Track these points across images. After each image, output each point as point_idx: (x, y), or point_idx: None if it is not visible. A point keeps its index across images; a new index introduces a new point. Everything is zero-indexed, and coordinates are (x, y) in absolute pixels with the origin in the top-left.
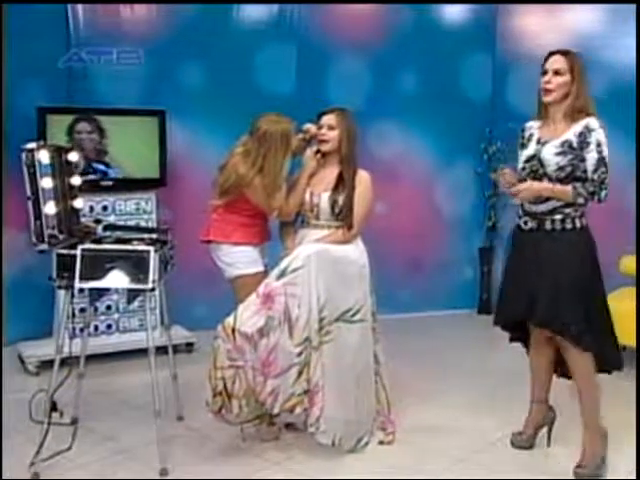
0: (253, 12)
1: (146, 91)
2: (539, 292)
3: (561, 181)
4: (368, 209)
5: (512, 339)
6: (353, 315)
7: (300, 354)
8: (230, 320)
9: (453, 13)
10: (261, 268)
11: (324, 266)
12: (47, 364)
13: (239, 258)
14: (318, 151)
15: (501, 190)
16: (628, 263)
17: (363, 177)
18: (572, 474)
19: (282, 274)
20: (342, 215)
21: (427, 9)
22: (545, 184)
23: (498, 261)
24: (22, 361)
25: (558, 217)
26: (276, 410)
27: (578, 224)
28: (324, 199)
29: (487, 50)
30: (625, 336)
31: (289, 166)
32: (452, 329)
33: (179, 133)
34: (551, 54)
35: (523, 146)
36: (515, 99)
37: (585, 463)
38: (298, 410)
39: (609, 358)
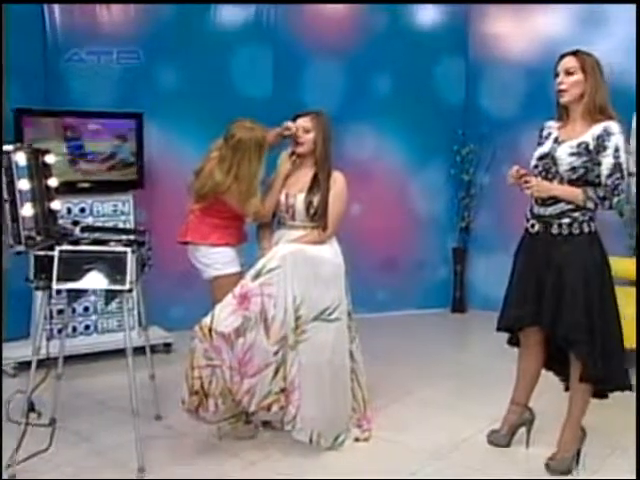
0: (229, 15)
1: (123, 93)
2: (543, 298)
3: (572, 183)
4: (343, 210)
5: (511, 342)
6: (330, 314)
7: (276, 353)
8: (207, 320)
9: (427, 17)
10: (238, 268)
11: (300, 266)
12: (25, 365)
13: (217, 259)
14: (293, 153)
15: (510, 180)
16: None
17: (338, 178)
18: (544, 467)
19: (258, 275)
20: (317, 216)
21: (401, 13)
22: (555, 184)
23: (471, 261)
24: None
25: (566, 221)
26: (252, 408)
27: (586, 229)
28: (299, 200)
29: (460, 54)
30: None
31: (265, 167)
32: (426, 327)
33: (156, 135)
34: (562, 57)
35: (540, 145)
36: (487, 102)
37: (559, 457)
38: (275, 408)
39: (616, 378)
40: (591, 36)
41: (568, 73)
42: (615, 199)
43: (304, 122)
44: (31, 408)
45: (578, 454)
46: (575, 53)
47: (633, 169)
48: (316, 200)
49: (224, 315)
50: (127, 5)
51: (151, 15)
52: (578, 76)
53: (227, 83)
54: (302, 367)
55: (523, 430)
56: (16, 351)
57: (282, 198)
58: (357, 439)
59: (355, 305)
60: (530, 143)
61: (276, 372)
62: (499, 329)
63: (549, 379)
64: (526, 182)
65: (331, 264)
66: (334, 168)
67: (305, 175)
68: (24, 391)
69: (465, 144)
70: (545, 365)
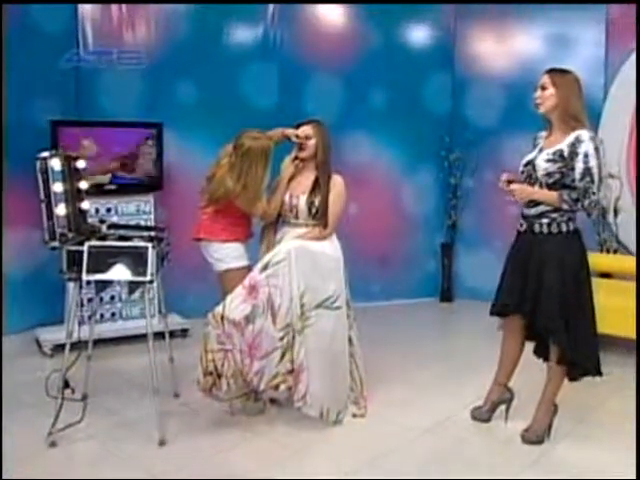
0: (240, 35)
1: (145, 105)
2: (526, 289)
3: (550, 187)
4: (342, 210)
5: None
6: (333, 302)
7: (282, 338)
8: (219, 309)
9: (418, 37)
10: (247, 262)
11: (303, 259)
12: (60, 347)
13: (228, 254)
14: (296, 158)
15: (500, 187)
16: None
17: (337, 181)
18: (520, 437)
19: (265, 267)
20: (318, 215)
21: (395, 33)
22: (536, 189)
23: (458, 255)
24: (39, 344)
25: (545, 221)
26: (262, 387)
27: (564, 228)
28: (302, 201)
29: (447, 70)
30: None
31: (270, 172)
32: (417, 315)
33: (174, 143)
34: (542, 74)
35: (530, 153)
36: (471, 113)
37: (533, 429)
38: (282, 388)
39: (586, 365)
40: (562, 56)
41: (543, 88)
42: (586, 201)
43: (306, 130)
44: (66, 385)
45: (550, 427)
46: (550, 71)
47: (604, 173)
48: (317, 201)
49: (235, 304)
50: (149, 27)
51: (170, 36)
52: (550, 90)
53: (237, 95)
54: (308, 350)
55: (503, 407)
56: (52, 335)
57: (286, 199)
58: (354, 415)
59: (352, 295)
60: (510, 150)
61: (282, 355)
62: (491, 314)
63: (526, 362)
64: (510, 191)
65: (331, 258)
66: (334, 172)
67: (307, 178)
68: (60, 370)
69: (452, 151)
70: (534, 352)
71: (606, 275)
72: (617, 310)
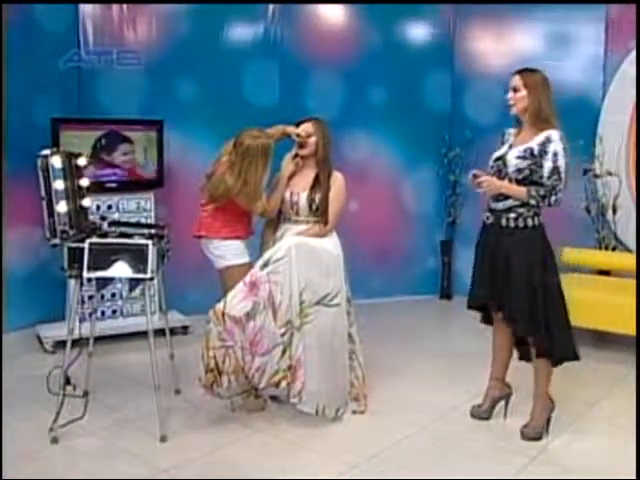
0: (241, 32)
1: (146, 103)
2: (495, 281)
3: (519, 182)
4: (342, 206)
5: (483, 320)
6: (331, 300)
7: (283, 335)
8: (220, 305)
9: (417, 36)
10: (247, 259)
11: (303, 256)
12: (61, 344)
13: (228, 251)
14: (296, 155)
15: (468, 183)
16: (567, 254)
17: (337, 178)
18: (519, 434)
19: (266, 264)
20: (319, 212)
21: (394, 32)
22: (505, 183)
23: (457, 252)
24: (40, 341)
25: (512, 215)
26: (263, 385)
27: (530, 223)
28: (303, 198)
29: (446, 68)
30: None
31: (271, 168)
32: (417, 312)
33: (175, 140)
34: (512, 75)
35: (499, 148)
36: (470, 111)
37: (532, 425)
38: (283, 384)
39: (562, 351)
40: (561, 54)
41: (515, 90)
42: (553, 198)
43: (307, 127)
44: (67, 382)
45: (548, 422)
46: (520, 72)
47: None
48: (318, 197)
49: (236, 301)
50: (150, 25)
51: (171, 34)
52: (522, 92)
53: (238, 93)
54: (306, 347)
55: (502, 404)
56: (53, 331)
57: (287, 196)
58: (354, 412)
59: (352, 292)
60: None
61: (283, 352)
62: (468, 307)
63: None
64: (479, 182)
65: (331, 255)
66: (334, 169)
67: (308, 175)
68: (61, 366)
69: (451, 148)
70: (519, 358)
71: (605, 272)
72: (616, 307)
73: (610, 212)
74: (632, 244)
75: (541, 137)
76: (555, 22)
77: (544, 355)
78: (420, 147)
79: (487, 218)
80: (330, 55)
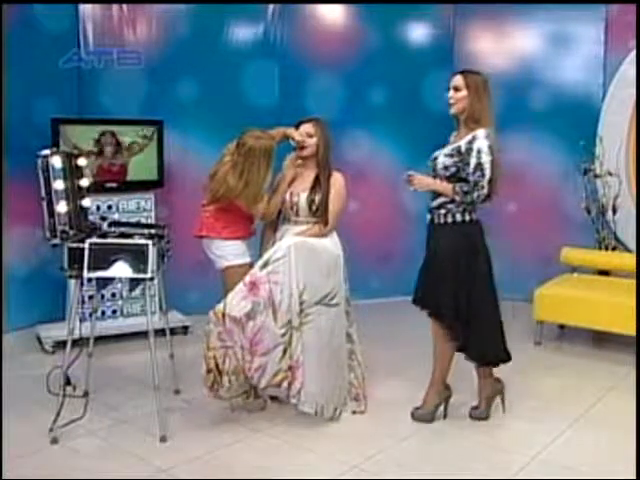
0: (241, 33)
1: (146, 103)
2: (425, 277)
3: (448, 179)
4: (342, 207)
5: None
6: (331, 300)
7: (284, 335)
8: (220, 306)
9: (417, 36)
10: (248, 260)
11: (303, 256)
12: (61, 344)
13: (229, 251)
14: (298, 158)
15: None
16: (567, 253)
17: (337, 178)
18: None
19: (266, 264)
20: (319, 212)
21: (394, 32)
22: (433, 180)
23: None
24: (40, 341)
25: (442, 211)
26: (263, 384)
27: (459, 218)
28: (303, 198)
29: (446, 68)
30: (562, 316)
31: (273, 169)
32: (416, 312)
33: (175, 140)
34: (453, 74)
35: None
36: None
37: (422, 410)
38: (284, 385)
39: (489, 353)
40: (561, 54)
41: (456, 89)
42: (475, 194)
43: (307, 128)
44: (67, 382)
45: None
46: (463, 72)
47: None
48: (318, 198)
49: (236, 301)
50: (150, 25)
51: (171, 35)
52: (463, 92)
53: (238, 94)
54: (305, 347)
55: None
56: (54, 332)
57: (287, 196)
58: (354, 412)
59: (353, 292)
60: (509, 147)
61: (284, 352)
62: (413, 303)
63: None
64: (409, 180)
65: (331, 255)
66: (334, 169)
67: (308, 175)
68: (61, 367)
69: None
70: (465, 358)
71: (604, 272)
72: (616, 307)
73: (610, 212)
74: (632, 244)
75: (469, 136)
76: (555, 22)
77: (461, 350)
78: (420, 147)
79: (427, 216)
80: (330, 55)
